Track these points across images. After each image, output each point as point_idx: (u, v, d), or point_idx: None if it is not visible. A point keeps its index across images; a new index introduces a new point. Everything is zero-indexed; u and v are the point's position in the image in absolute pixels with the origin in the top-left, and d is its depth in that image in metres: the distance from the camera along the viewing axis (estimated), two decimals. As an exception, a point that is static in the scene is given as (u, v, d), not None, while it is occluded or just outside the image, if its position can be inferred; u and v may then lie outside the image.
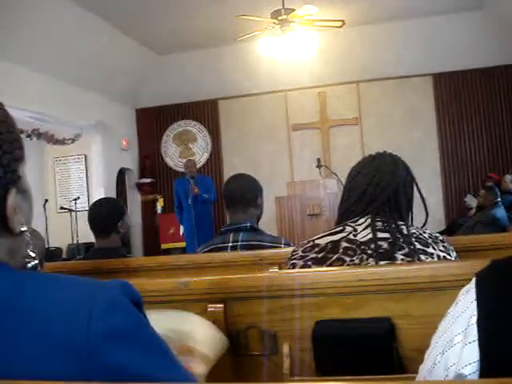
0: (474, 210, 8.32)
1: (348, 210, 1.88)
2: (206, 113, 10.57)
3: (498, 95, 9.44)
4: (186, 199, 8.28)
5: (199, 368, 1.18)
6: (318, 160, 8.12)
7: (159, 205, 10.43)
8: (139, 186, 10.69)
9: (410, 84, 9.68)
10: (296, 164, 10.04)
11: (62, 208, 9.68)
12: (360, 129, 9.90)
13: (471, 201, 8.51)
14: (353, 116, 9.93)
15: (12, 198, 0.83)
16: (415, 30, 9.03)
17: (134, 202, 10.55)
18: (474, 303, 0.75)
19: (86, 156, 10.28)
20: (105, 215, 3.17)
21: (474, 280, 0.80)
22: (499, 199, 7.18)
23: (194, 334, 1.24)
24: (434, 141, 9.70)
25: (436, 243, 1.75)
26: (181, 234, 8.76)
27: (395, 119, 9.73)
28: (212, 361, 1.25)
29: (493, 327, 0.72)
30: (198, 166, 10.26)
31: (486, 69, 9.34)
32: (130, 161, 10.59)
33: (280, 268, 2.31)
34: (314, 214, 6.92)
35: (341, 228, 1.81)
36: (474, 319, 0.74)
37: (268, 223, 6.74)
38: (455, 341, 0.76)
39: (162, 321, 1.20)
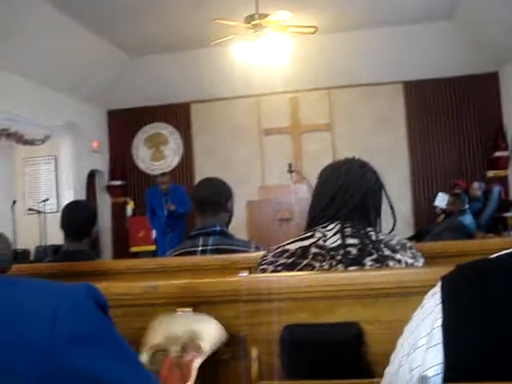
0: (442, 217, 8.43)
1: (317, 216, 1.89)
2: (178, 116, 10.55)
3: (467, 104, 9.60)
4: (160, 210, 8.25)
5: (197, 362, 1.27)
6: (290, 165, 8.14)
7: (129, 208, 10.36)
8: (109, 189, 10.61)
9: (380, 91, 9.79)
10: (267, 168, 10.07)
11: (30, 209, 9.55)
12: (331, 134, 9.97)
13: (441, 200, 8.57)
14: (324, 122, 10.00)
15: None
16: (387, 38, 9.13)
17: (104, 205, 10.47)
18: (439, 306, 0.77)
19: (55, 157, 10.15)
20: (81, 219, 3.14)
21: (439, 284, 0.81)
22: (467, 206, 7.29)
23: (204, 334, 1.35)
24: (403, 148, 9.82)
25: (404, 249, 1.77)
26: (154, 237, 8.74)
27: (366, 126, 9.83)
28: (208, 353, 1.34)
29: (457, 330, 0.73)
30: (170, 169, 10.23)
31: (456, 78, 9.49)
32: (101, 163, 10.51)
33: (250, 272, 2.31)
34: (285, 218, 6.94)
35: (310, 234, 1.82)
36: (439, 322, 0.75)
37: (239, 227, 6.72)
38: (419, 343, 0.78)
39: (183, 321, 1.41)
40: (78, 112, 9.53)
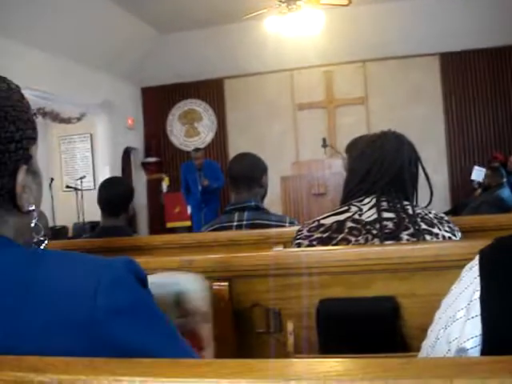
0: (479, 191, 8.29)
1: (353, 190, 1.87)
2: (211, 92, 10.54)
3: (505, 75, 9.37)
4: (195, 186, 8.29)
5: (205, 329, 1.15)
6: (324, 140, 8.10)
7: (165, 184, 10.45)
8: (145, 165, 10.70)
9: (416, 63, 9.61)
10: (301, 144, 10.02)
11: (67, 187, 9.70)
12: (366, 108, 9.86)
13: (478, 174, 8.41)
14: (359, 95, 9.88)
15: (22, 176, 0.85)
16: (422, 9, 8.92)
17: (140, 181, 10.56)
18: (478, 279, 0.76)
19: (91, 135, 10.28)
20: (118, 196, 3.19)
21: (477, 257, 0.80)
22: (505, 180, 7.16)
23: (189, 294, 1.17)
24: (440, 120, 9.66)
25: (441, 223, 1.75)
26: (189, 213, 8.78)
27: (401, 98, 9.68)
28: (209, 313, 1.19)
29: (495, 302, 0.72)
30: (204, 145, 10.25)
31: (494, 48, 9.27)
32: (136, 140, 10.58)
33: (285, 247, 2.32)
34: (320, 193, 6.92)
35: (346, 208, 1.81)
36: (477, 294, 0.75)
37: (273, 203, 6.74)
38: (458, 316, 0.77)
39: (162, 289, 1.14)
40: (113, 90, 9.60)
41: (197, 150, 8.67)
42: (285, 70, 9.98)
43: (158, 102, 10.72)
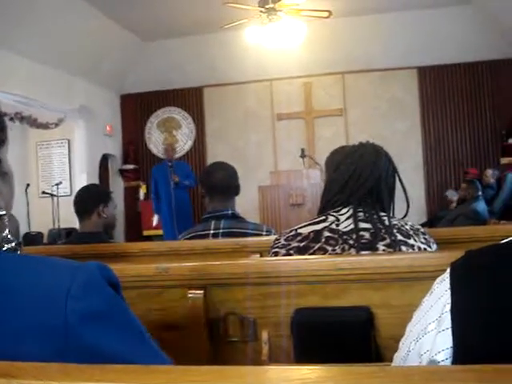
0: (455, 204, 8.39)
1: (331, 200, 1.88)
2: (190, 100, 10.52)
3: (482, 90, 9.49)
4: (167, 185, 8.28)
5: None
6: (302, 150, 8.12)
7: (142, 191, 10.40)
8: (122, 173, 10.64)
9: (395, 76, 9.70)
10: (280, 154, 10.04)
11: (43, 193, 9.60)
12: (345, 120, 9.92)
13: (452, 195, 8.59)
14: (338, 107, 9.94)
15: None
16: (402, 23, 9.05)
17: (117, 188, 10.49)
18: (448, 292, 0.77)
19: (69, 141, 10.17)
20: (87, 196, 3.19)
21: (448, 270, 0.81)
22: (480, 193, 7.25)
23: None
24: (417, 134, 9.75)
25: (417, 235, 1.77)
26: (154, 223, 8.71)
27: (380, 111, 9.76)
28: None
29: (465, 315, 0.73)
30: (182, 153, 10.24)
31: (471, 63, 9.39)
32: (114, 147, 10.52)
33: (261, 256, 2.32)
34: (297, 203, 6.94)
35: (323, 218, 1.82)
36: (448, 307, 0.75)
37: (251, 212, 6.75)
38: (429, 328, 0.78)
39: None
40: (92, 96, 9.54)
41: (169, 144, 8.80)
42: (264, 80, 10.01)
43: (137, 109, 10.68)
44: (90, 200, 3.18)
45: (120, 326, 0.78)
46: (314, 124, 10.00)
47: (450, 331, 0.74)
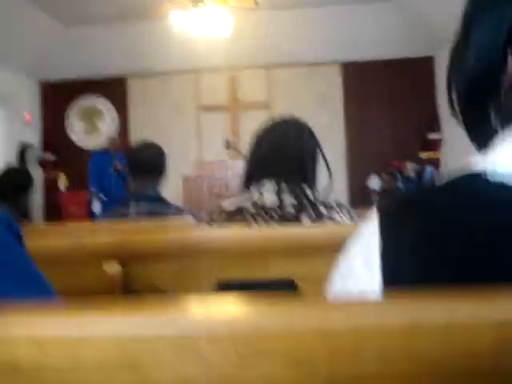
0: (376, 196, 8.57)
1: (253, 175, 1.85)
2: (114, 89, 10.27)
3: (403, 87, 9.73)
4: (109, 175, 7.99)
5: None
6: (227, 141, 8.08)
7: (62, 182, 10.07)
8: (41, 163, 10.27)
9: (320, 71, 9.81)
10: (205, 145, 9.97)
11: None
12: (270, 113, 9.94)
13: (374, 183, 8.74)
14: (263, 100, 9.96)
15: None
16: (327, 18, 9.16)
17: (36, 179, 10.10)
18: (377, 235, 0.73)
19: (-16, 129, 9.75)
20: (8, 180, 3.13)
21: (375, 211, 0.77)
22: (401, 185, 7.44)
23: None
24: (340, 128, 9.89)
25: (341, 208, 1.76)
26: (95, 209, 8.39)
27: (305, 105, 9.83)
28: None
29: (394, 258, 0.70)
30: (104, 144, 9.99)
31: (394, 60, 9.61)
32: (33, 136, 10.13)
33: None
34: (221, 194, 6.91)
35: (247, 192, 1.78)
36: (377, 248, 0.72)
37: (174, 202, 6.66)
38: (357, 269, 0.74)
39: None
40: (9, 83, 9.15)
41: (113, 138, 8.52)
42: (190, 71, 9.90)
43: (58, 97, 10.32)
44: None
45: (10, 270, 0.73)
46: (240, 117, 9.99)
47: (379, 274, 0.71)
